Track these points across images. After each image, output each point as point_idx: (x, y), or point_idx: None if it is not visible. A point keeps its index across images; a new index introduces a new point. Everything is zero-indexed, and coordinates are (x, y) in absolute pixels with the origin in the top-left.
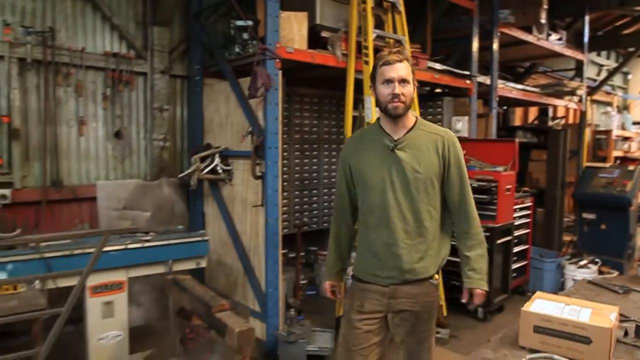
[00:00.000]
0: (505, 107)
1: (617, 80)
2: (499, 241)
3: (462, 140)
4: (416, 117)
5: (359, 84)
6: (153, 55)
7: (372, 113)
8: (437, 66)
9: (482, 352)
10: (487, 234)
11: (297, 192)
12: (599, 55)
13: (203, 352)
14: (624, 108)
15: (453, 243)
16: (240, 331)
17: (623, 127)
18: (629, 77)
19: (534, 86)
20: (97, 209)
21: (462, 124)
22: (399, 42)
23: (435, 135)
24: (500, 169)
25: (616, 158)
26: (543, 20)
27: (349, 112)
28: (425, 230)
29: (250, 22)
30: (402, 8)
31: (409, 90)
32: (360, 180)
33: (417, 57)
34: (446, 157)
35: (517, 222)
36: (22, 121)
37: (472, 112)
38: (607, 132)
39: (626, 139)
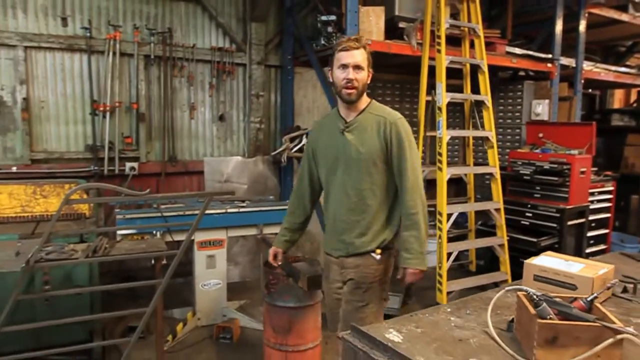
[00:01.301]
0: (600, 90)
1: None
2: (570, 223)
3: (539, 123)
4: (370, 100)
5: (433, 70)
6: (251, 48)
7: (442, 98)
8: (517, 51)
9: (489, 293)
10: (557, 215)
11: None
12: None
13: (283, 294)
14: None
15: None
16: (310, 276)
17: None
18: None
19: (637, 67)
20: (204, 181)
21: (542, 108)
22: (472, 30)
23: (379, 117)
24: (574, 152)
25: None
26: None
27: (423, 97)
28: (368, 207)
29: (333, 17)
30: None
31: (363, 77)
32: (320, 160)
33: (495, 43)
34: (388, 138)
35: (595, 206)
36: (146, 107)
37: (553, 95)
38: None
39: None
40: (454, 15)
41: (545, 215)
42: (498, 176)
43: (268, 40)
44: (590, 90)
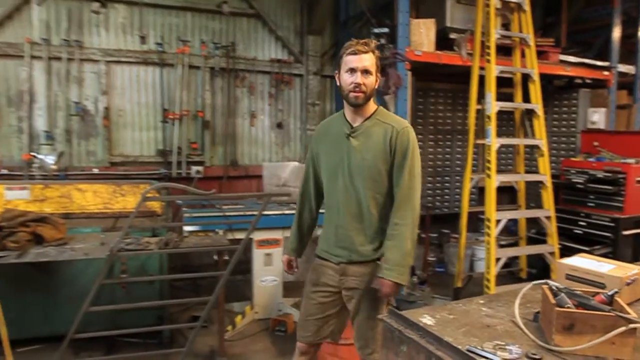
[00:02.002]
0: None
1: None
2: (625, 232)
3: (594, 131)
4: (377, 107)
5: (483, 80)
6: (308, 60)
7: (492, 107)
8: (571, 59)
9: (522, 289)
10: (612, 224)
11: (429, 178)
12: None
13: None
14: None
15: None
16: None
17: None
18: None
19: None
20: (262, 184)
21: (598, 116)
22: (523, 40)
23: (386, 125)
24: (631, 160)
25: None
26: None
27: (473, 106)
28: (371, 215)
29: (386, 30)
30: (527, 7)
31: (371, 81)
32: (323, 164)
33: (548, 51)
34: (393, 146)
35: None
36: (211, 115)
37: (611, 103)
38: None
39: None
40: (506, 25)
41: (599, 224)
42: (549, 184)
43: (324, 51)
44: None
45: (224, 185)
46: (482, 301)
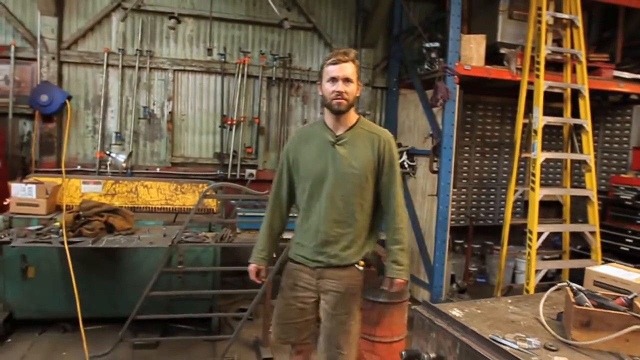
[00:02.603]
0: None
1: None
2: None
3: None
4: (358, 116)
5: (531, 94)
6: (360, 71)
7: (539, 121)
8: (625, 75)
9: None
10: None
11: (475, 190)
12: None
13: (373, 289)
14: None
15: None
16: None
17: None
18: None
19: None
20: None
21: None
22: (574, 56)
23: (373, 134)
24: None
25: None
26: None
27: (520, 120)
28: (355, 221)
29: (437, 44)
30: (580, 24)
31: (352, 89)
32: (301, 171)
33: (600, 67)
34: (381, 155)
35: None
36: (266, 121)
37: None
38: None
39: None
40: (558, 40)
41: None
42: (595, 199)
43: (376, 64)
44: None
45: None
46: (510, 300)
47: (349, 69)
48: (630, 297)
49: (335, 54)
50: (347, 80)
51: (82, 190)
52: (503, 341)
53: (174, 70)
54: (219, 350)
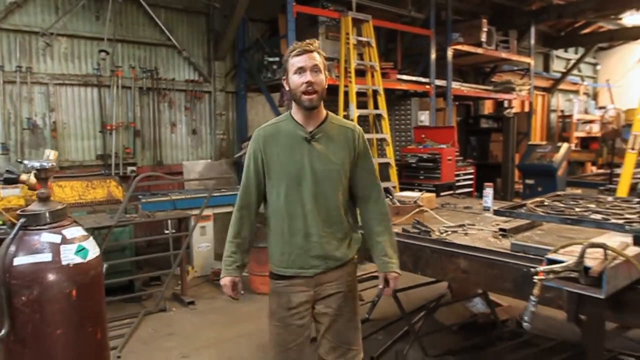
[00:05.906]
0: (472, 101)
1: (587, 70)
2: (442, 193)
3: (422, 127)
4: (327, 111)
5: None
6: (215, 80)
7: (354, 113)
8: (404, 77)
9: None
10: (434, 189)
11: None
12: (566, 51)
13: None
14: (594, 95)
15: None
16: None
17: (586, 112)
18: (598, 67)
19: (493, 83)
20: (183, 178)
21: (425, 116)
22: (372, 66)
23: (346, 128)
24: (444, 146)
25: (579, 138)
26: (483, 39)
27: (340, 113)
28: (340, 217)
29: (277, 58)
30: (374, 44)
31: (322, 80)
32: (273, 173)
33: (389, 72)
34: (357, 148)
35: (460, 183)
36: (140, 125)
37: (432, 107)
38: (569, 117)
39: (589, 122)
40: (361, 54)
41: (427, 190)
42: (393, 164)
43: (226, 72)
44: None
45: (153, 181)
46: None
47: (316, 58)
48: (414, 200)
49: (298, 45)
50: (315, 69)
51: (2, 195)
52: None
53: (54, 84)
54: (149, 306)
